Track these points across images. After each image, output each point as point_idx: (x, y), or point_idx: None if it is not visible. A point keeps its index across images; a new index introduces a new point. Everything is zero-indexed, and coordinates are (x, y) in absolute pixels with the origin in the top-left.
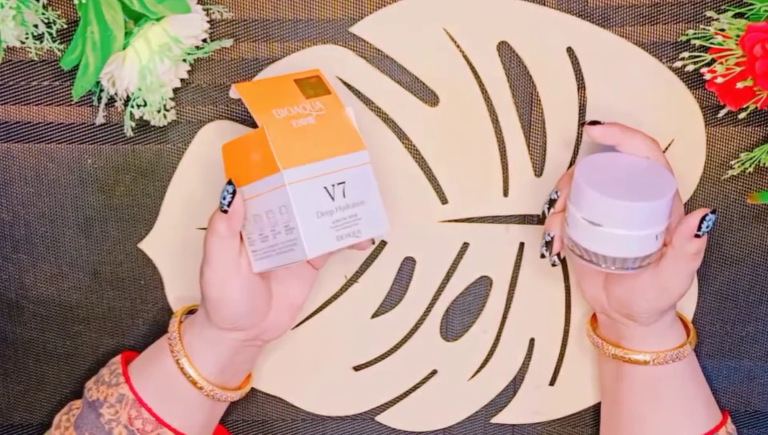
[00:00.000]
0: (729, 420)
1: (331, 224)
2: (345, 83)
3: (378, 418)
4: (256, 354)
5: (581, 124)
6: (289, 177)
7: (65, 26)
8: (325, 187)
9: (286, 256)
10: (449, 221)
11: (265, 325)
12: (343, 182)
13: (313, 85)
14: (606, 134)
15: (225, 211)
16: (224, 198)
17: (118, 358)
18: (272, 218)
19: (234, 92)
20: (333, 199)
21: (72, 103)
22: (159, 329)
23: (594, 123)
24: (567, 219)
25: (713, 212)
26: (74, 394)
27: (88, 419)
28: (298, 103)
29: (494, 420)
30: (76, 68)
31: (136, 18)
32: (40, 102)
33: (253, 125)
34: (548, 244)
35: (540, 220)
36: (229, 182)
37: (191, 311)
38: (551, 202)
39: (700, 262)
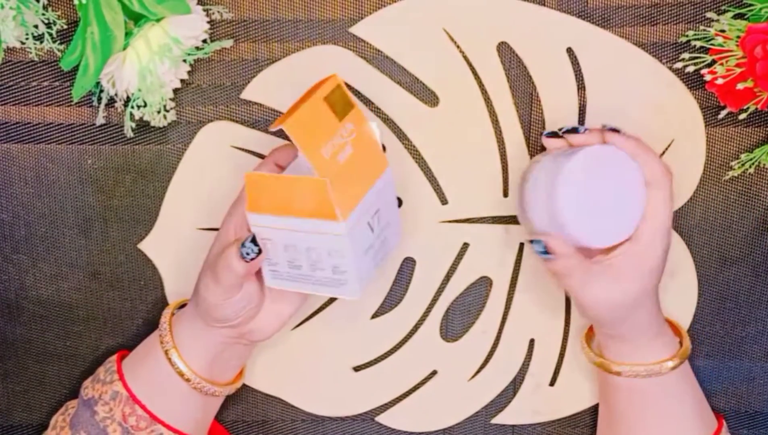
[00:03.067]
0: (724, 428)
1: (372, 256)
2: (345, 83)
3: (378, 419)
4: (244, 353)
5: (604, 127)
6: (347, 228)
7: (65, 27)
8: (368, 223)
9: (326, 290)
10: (449, 221)
11: (252, 326)
12: (378, 210)
13: (339, 101)
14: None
15: (245, 260)
16: (248, 254)
17: (114, 357)
18: (314, 256)
19: (276, 128)
20: (372, 230)
21: (72, 103)
22: None
23: (614, 130)
24: (534, 196)
25: (532, 242)
26: (74, 394)
27: (83, 417)
28: (335, 131)
29: (494, 420)
30: (76, 69)
31: (136, 18)
32: (40, 102)
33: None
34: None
35: None
36: (254, 240)
37: (183, 305)
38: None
39: (574, 280)
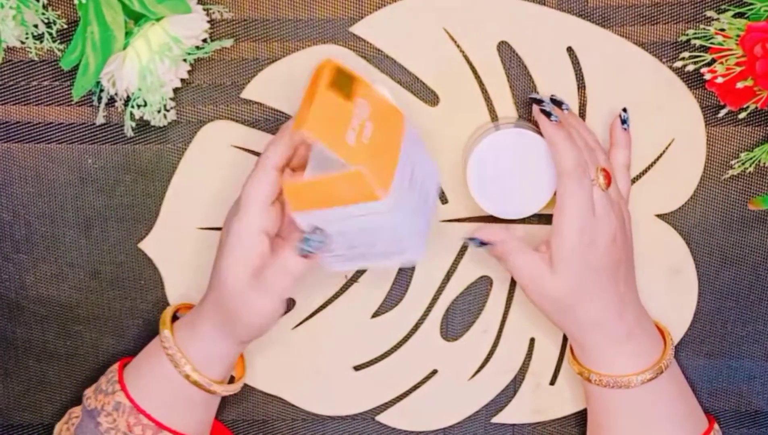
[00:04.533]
0: (714, 430)
1: (423, 213)
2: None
3: (378, 418)
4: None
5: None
6: (391, 202)
7: (65, 26)
8: (409, 185)
9: (388, 260)
10: (449, 221)
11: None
12: (413, 168)
13: (342, 82)
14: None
15: (305, 256)
16: (311, 245)
17: (115, 366)
18: (368, 234)
19: (306, 134)
20: (415, 191)
21: (72, 103)
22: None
23: (536, 101)
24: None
25: (470, 240)
26: (75, 394)
27: (87, 428)
28: (351, 113)
29: (494, 420)
30: (76, 68)
31: (136, 18)
32: (40, 102)
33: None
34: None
35: (539, 221)
36: (315, 231)
37: (177, 309)
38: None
39: (513, 262)
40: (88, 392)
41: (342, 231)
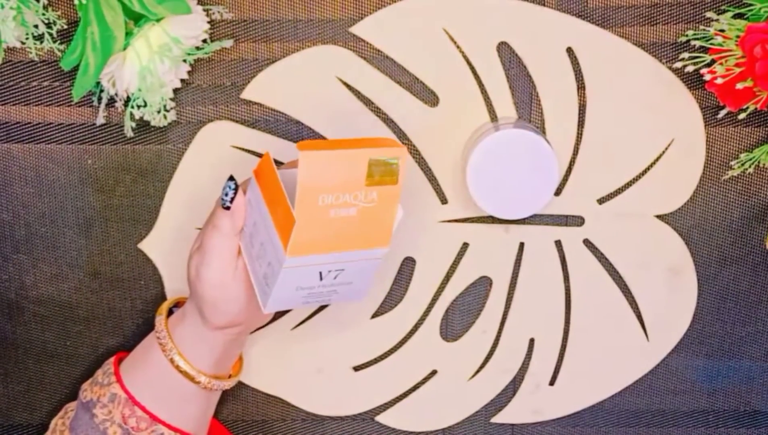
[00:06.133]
0: None
1: (305, 295)
2: (345, 83)
3: (378, 418)
4: (245, 340)
5: None
6: (288, 263)
7: (65, 27)
8: (320, 272)
9: (258, 287)
10: (449, 221)
11: (256, 317)
12: (342, 269)
13: (384, 172)
14: None
15: (227, 208)
16: (226, 194)
17: (111, 359)
18: (264, 250)
19: (300, 153)
20: (321, 279)
21: (72, 103)
22: None
23: None
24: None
25: (230, 179)
26: (74, 394)
27: (82, 420)
28: (353, 190)
29: (494, 420)
30: (76, 69)
31: (136, 18)
32: (40, 102)
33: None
34: None
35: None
36: (231, 178)
37: (174, 305)
38: None
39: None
40: (85, 385)
41: (255, 224)
